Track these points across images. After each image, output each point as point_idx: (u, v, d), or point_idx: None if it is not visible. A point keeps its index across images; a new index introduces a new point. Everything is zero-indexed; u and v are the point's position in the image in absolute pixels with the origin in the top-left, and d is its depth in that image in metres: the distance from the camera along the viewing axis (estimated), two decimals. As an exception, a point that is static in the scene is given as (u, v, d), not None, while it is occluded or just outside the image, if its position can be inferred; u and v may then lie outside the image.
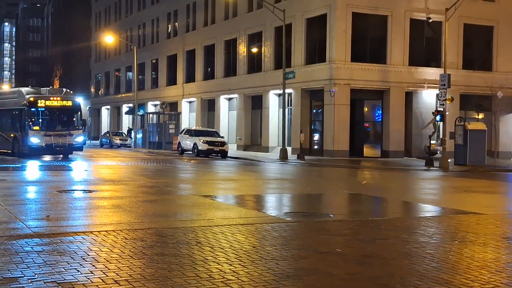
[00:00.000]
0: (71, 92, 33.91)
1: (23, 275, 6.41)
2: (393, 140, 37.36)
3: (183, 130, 42.16)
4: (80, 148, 31.50)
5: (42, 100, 29.63)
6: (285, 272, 6.90)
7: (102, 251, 7.94)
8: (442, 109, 31.03)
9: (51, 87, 34.87)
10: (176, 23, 56.98)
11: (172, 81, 57.56)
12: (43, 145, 29.04)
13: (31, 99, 29.39)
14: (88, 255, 7.57)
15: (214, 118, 49.69)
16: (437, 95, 32.30)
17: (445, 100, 30.92)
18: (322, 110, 37.74)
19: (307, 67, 38.39)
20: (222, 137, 39.80)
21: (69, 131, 30.02)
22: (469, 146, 31.57)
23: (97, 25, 77.11)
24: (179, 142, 40.02)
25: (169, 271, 6.80)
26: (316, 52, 38.30)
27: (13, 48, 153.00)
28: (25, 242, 8.27)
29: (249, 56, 45.40)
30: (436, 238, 9.82)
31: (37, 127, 29.16)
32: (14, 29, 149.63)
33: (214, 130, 42.33)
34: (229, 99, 48.69)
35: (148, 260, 7.40)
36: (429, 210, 13.98)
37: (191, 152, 37.55)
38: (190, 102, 54.80)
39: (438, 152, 31.23)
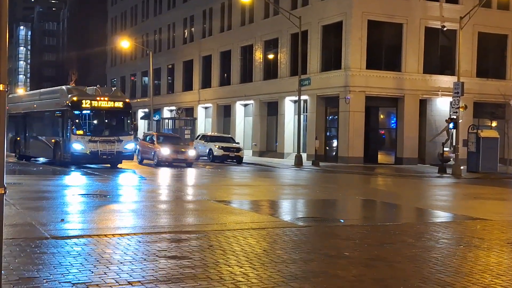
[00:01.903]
0: (122, 92, 30.97)
1: (38, 276, 6.55)
2: (407, 147, 37.29)
3: (199, 135, 42.25)
4: (130, 157, 27.05)
5: (87, 101, 25.34)
6: (293, 274, 7.03)
7: (116, 253, 8.06)
8: (455, 117, 30.98)
9: (98, 85, 30.62)
10: (193, 29, 57.18)
11: (188, 86, 57.71)
12: (88, 152, 24.77)
13: (74, 98, 25.22)
14: (102, 257, 7.70)
15: (230, 124, 49.78)
16: (451, 102, 32.22)
17: (459, 108, 30.88)
18: (337, 117, 37.77)
19: (322, 74, 38.46)
20: (238, 143, 39.84)
21: (118, 137, 25.62)
22: (481, 153, 31.42)
23: (113, 29, 77.35)
24: (195, 148, 40.20)
25: (181, 273, 6.92)
26: (332, 59, 38.32)
27: (28, 52, 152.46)
28: (40, 243, 8.46)
29: (265, 63, 45.50)
30: (442, 242, 9.87)
31: (80, 132, 24.94)
32: (29, 33, 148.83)
33: (229, 136, 42.39)
34: (245, 105, 48.80)
35: (161, 263, 7.48)
36: (438, 216, 14.04)
37: (206, 158, 37.49)
38: (206, 107, 54.93)
39: (451, 159, 31.14)
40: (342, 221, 12.45)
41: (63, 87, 28.22)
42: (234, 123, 49.14)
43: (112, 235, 9.51)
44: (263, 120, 45.84)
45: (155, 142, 29.35)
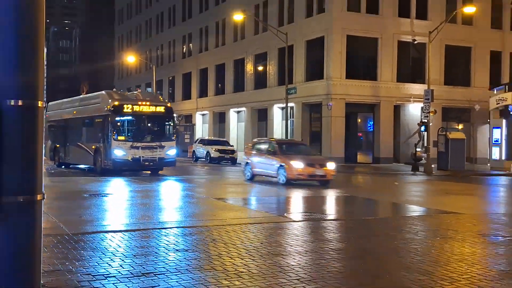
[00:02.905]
0: (163, 96, 26.63)
1: (61, 269, 6.55)
2: (383, 148, 37.41)
3: (197, 139, 42.20)
4: (172, 163, 23.44)
5: (128, 105, 22.17)
6: (289, 265, 7.03)
7: (129, 247, 8.10)
8: (426, 121, 31.09)
9: (139, 90, 28.03)
10: (191, 45, 57.12)
11: (187, 96, 57.66)
12: (129, 159, 21.59)
13: (116, 103, 22.07)
14: (118, 251, 7.71)
15: (225, 129, 49.69)
16: (422, 108, 32.37)
17: (429, 112, 31.00)
18: (321, 122, 37.76)
19: (307, 84, 38.47)
20: (232, 146, 39.90)
21: (161, 143, 22.43)
22: (450, 153, 31.65)
23: (120, 46, 77.26)
24: (194, 151, 40.09)
25: (188, 265, 6.93)
26: (315, 70, 38.29)
27: (45, 67, 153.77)
28: (62, 239, 8.44)
29: (256, 74, 45.47)
30: (420, 235, 9.88)
31: (122, 137, 21.84)
32: (45, 50, 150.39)
33: (224, 139, 42.46)
34: (238, 112, 48.73)
35: (170, 255, 7.49)
36: (414, 210, 14.02)
37: (204, 159, 37.56)
38: (203, 114, 54.87)
39: (423, 158, 31.21)
40: (328, 215, 12.46)
41: (104, 92, 24.53)
42: (229, 128, 49.10)
43: (125, 230, 9.53)
44: (254, 125, 45.81)
45: (278, 152, 20.07)
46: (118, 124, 21.97)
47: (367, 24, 36.88)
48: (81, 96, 28.80)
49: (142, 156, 21.77)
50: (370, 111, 38.25)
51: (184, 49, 58.62)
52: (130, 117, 22.36)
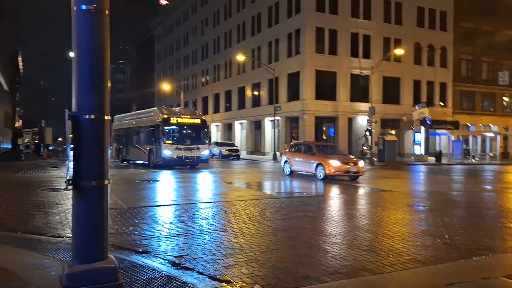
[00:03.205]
0: (199, 111, 25.76)
1: (120, 232, 6.43)
2: (341, 147, 37.15)
3: (213, 142, 42.08)
4: (206, 161, 22.77)
5: (174, 118, 21.94)
6: (278, 228, 7.03)
7: (168, 217, 7.92)
8: (370, 128, 31.16)
9: (182, 106, 27.07)
10: (207, 77, 56.94)
11: (205, 112, 57.34)
12: (175, 157, 21.27)
13: (165, 116, 21.80)
14: (160, 219, 7.56)
15: (232, 135, 49.69)
16: (368, 119, 32.49)
17: (372, 122, 31.06)
18: (298, 130, 37.82)
19: (288, 103, 38.46)
20: (237, 146, 39.83)
21: (197, 145, 22.02)
22: (386, 150, 31.70)
23: (158, 77, 77.12)
24: (210, 150, 39.90)
25: (204, 229, 6.88)
26: (294, 94, 38.22)
27: (109, 92, 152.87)
28: (120, 211, 8.38)
29: (253, 97, 45.35)
30: (367, 206, 9.86)
31: (169, 141, 21.46)
32: (109, 81, 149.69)
33: (232, 142, 42.36)
34: (241, 123, 48.69)
35: (197, 222, 7.45)
36: (362, 189, 13.92)
37: (218, 156, 37.44)
38: (216, 125, 54.72)
39: (368, 154, 31.31)
40: (305, 193, 12.42)
41: (156, 108, 24.05)
42: (234, 134, 48.98)
43: (164, 205, 9.48)
44: (252, 132, 45.74)
45: (316, 153, 17.47)
46: (167, 131, 21.57)
47: (329, 62, 36.89)
48: (138, 111, 27.87)
49: (184, 155, 21.44)
50: (332, 121, 38.28)
51: (203, 79, 58.51)
52: (175, 126, 21.89)
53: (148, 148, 23.04)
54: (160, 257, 5.19)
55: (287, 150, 19.47)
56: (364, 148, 31.87)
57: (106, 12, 3.21)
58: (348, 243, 6.05)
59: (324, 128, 39.88)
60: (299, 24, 37.11)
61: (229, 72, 50.67)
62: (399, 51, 34.11)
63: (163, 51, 75.55)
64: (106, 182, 3.26)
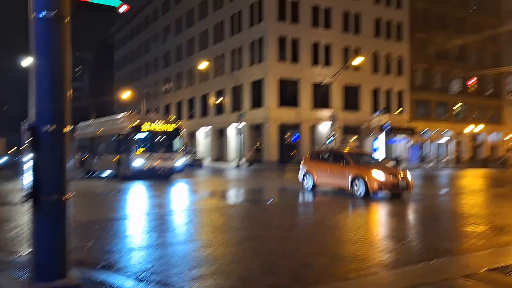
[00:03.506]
0: (174, 117, 24.33)
1: (80, 246, 6.33)
2: (304, 152, 37.70)
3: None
4: (181, 171, 20.92)
5: (147, 124, 20.04)
6: (244, 236, 7.01)
7: (127, 229, 7.74)
8: (332, 135, 31.88)
9: (155, 112, 24.91)
10: (170, 84, 56.32)
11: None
12: (146, 167, 19.29)
13: (136, 122, 19.88)
14: (119, 232, 7.36)
15: (196, 143, 49.22)
16: (330, 126, 33.20)
17: (334, 129, 31.82)
18: (262, 136, 38.06)
19: (252, 110, 38.61)
20: (198, 154, 39.44)
21: (171, 154, 20.19)
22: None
23: (118, 85, 74.98)
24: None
25: (173, 240, 6.81)
26: (257, 101, 38.49)
27: (71, 102, 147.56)
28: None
29: (216, 104, 45.25)
30: (332, 212, 9.78)
31: (141, 150, 19.49)
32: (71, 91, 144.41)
33: (194, 150, 41.94)
34: (205, 131, 48.38)
35: (152, 235, 7.26)
36: (326, 194, 14.02)
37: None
38: (180, 133, 53.95)
39: (331, 160, 31.89)
40: (270, 201, 12.38)
41: (126, 114, 22.13)
42: (199, 142, 48.56)
43: (127, 217, 9.20)
44: (216, 140, 45.51)
45: (351, 162, 13.25)
46: (138, 139, 19.55)
47: (291, 71, 37.47)
48: (105, 117, 25.35)
49: (157, 165, 19.46)
50: (296, 128, 38.79)
51: (166, 87, 57.74)
52: (147, 134, 19.89)
53: (116, 158, 20.85)
54: (123, 272, 5.03)
55: (307, 157, 15.57)
56: (327, 154, 32.49)
57: (66, 19, 3.12)
58: (314, 249, 6.11)
59: (288, 135, 40.38)
60: (261, 33, 37.54)
61: (192, 80, 50.33)
62: (358, 60, 35.32)
63: (123, 58, 73.94)
64: (67, 195, 3.14)
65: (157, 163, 19.49)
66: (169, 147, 20.37)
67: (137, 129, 19.67)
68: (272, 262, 5.45)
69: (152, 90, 61.20)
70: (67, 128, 3.22)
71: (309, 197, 13.17)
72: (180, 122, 21.67)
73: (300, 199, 12.94)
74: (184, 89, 51.91)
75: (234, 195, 14.61)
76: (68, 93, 3.21)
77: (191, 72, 50.28)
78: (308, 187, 14.66)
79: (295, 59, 37.83)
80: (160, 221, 8.59)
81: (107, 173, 22.54)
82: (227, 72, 38.46)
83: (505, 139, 52.07)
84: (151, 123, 20.22)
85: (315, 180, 14.47)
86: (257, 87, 38.37)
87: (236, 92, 37.09)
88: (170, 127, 20.65)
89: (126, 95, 58.35)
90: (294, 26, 37.64)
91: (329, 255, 5.76)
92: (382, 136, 34.65)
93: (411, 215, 9.47)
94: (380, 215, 9.55)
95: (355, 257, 5.65)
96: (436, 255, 5.73)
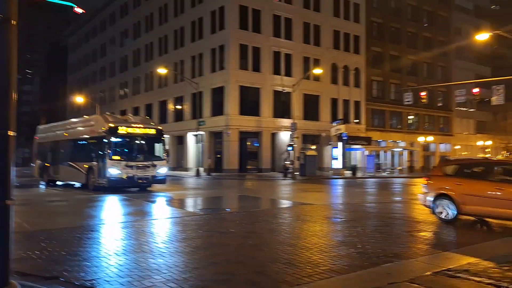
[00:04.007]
0: (152, 120, 21.33)
1: (25, 256, 6.05)
2: (264, 161, 38.28)
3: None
4: (163, 181, 18.37)
5: (123, 127, 17.42)
6: (199, 246, 6.97)
7: (76, 238, 7.55)
8: (292, 143, 32.44)
9: (130, 114, 20.61)
10: (126, 89, 54.99)
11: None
12: (124, 177, 16.87)
13: (111, 125, 17.30)
14: (67, 242, 7.18)
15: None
16: (290, 134, 33.77)
17: (294, 138, 32.37)
18: (222, 145, 38.00)
19: (212, 118, 38.50)
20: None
21: (152, 162, 17.63)
22: (307, 164, 33.10)
23: (72, 89, 72.38)
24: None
25: (124, 249, 6.69)
26: (218, 109, 38.40)
27: (16, 106, 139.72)
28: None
29: (175, 111, 44.76)
30: (288, 219, 10.14)
31: (117, 157, 16.93)
32: (16, 96, 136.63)
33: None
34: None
35: (102, 245, 7.12)
36: (284, 203, 14.24)
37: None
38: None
39: (290, 168, 32.46)
40: (228, 209, 12.46)
41: (99, 115, 19.68)
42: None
43: (76, 226, 8.90)
44: (175, 147, 44.87)
45: None
46: (114, 144, 17.04)
47: (253, 79, 37.83)
48: (71, 120, 22.95)
49: (136, 175, 17.05)
50: (256, 136, 39.05)
51: (121, 92, 56.38)
52: (124, 138, 17.40)
53: (86, 166, 18.29)
54: (70, 282, 4.88)
55: (439, 170, 10.25)
56: (287, 163, 33.01)
57: (13, 22, 3.05)
58: (270, 256, 6.22)
59: (248, 143, 40.60)
60: (223, 40, 37.70)
61: (150, 85, 49.52)
62: (317, 71, 36.23)
63: (77, 61, 71.46)
64: (9, 202, 3.04)
65: (136, 172, 17.04)
66: (149, 154, 17.88)
67: (113, 132, 17.09)
68: (228, 271, 5.48)
69: (108, 95, 59.56)
70: (11, 133, 3.13)
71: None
72: (160, 126, 19.26)
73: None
74: (141, 94, 50.95)
75: (192, 204, 14.48)
76: (13, 97, 3.13)
77: (149, 77, 49.47)
78: (445, 216, 9.57)
79: (256, 67, 38.25)
80: (112, 231, 8.38)
81: (74, 182, 20.04)
82: (187, 79, 38.17)
83: (455, 148, 55.27)
84: (129, 126, 17.67)
85: (461, 207, 9.28)
86: (218, 95, 38.36)
87: (196, 99, 36.86)
88: (151, 130, 18.07)
89: (79, 99, 56.49)
90: (255, 35, 38.12)
91: (283, 262, 5.88)
92: (340, 145, 35.67)
93: (367, 222, 9.81)
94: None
95: (309, 263, 5.80)
96: (385, 260, 6.00)
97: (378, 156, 42.46)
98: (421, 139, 49.09)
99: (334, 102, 43.51)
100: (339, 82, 43.92)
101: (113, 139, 17.04)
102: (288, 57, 40.10)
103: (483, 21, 57.77)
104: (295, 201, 14.58)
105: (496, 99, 20.59)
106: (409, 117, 50.58)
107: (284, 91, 38.57)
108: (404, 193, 19.16)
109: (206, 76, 39.56)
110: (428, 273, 5.36)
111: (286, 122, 37.90)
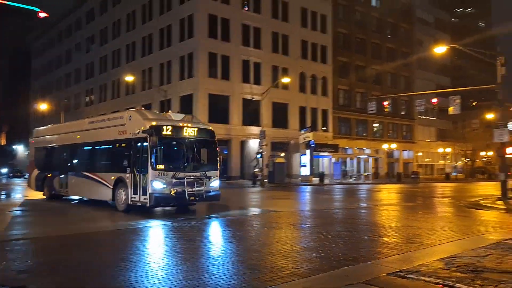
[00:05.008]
0: (199, 119, 16.59)
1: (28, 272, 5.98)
2: (234, 169, 38.31)
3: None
4: (216, 197, 13.41)
5: (169, 127, 12.67)
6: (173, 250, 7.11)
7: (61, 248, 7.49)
8: (261, 151, 32.73)
9: (170, 110, 15.33)
10: (92, 96, 53.73)
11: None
12: (172, 193, 12.14)
13: (154, 123, 12.53)
14: (36, 252, 7.13)
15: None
16: (259, 142, 34.07)
17: (263, 145, 32.71)
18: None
19: (181, 126, 38.19)
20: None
21: (205, 173, 13.00)
22: (275, 172, 33.51)
23: (35, 96, 69.93)
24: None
25: (80, 260, 6.70)
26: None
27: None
28: None
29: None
30: (255, 226, 10.29)
31: (161, 166, 12.18)
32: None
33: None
34: (131, 145, 46.56)
35: (75, 256, 7.08)
36: (253, 210, 14.32)
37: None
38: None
39: (259, 175, 32.71)
40: (193, 218, 12.27)
41: (132, 110, 14.02)
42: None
43: (47, 236, 8.71)
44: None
45: None
46: (157, 150, 12.23)
47: (222, 86, 37.98)
48: (86, 119, 17.73)
49: (187, 190, 12.34)
50: (226, 144, 39.01)
51: (87, 99, 55.11)
52: (171, 141, 12.95)
53: (113, 178, 13.64)
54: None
55: None
56: (256, 170, 33.30)
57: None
58: (234, 263, 6.40)
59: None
60: (191, 48, 37.74)
61: (116, 93, 48.74)
62: (286, 80, 36.88)
63: (41, 67, 69.34)
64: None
65: (187, 186, 12.37)
66: (201, 162, 13.39)
67: (156, 132, 12.34)
68: (193, 276, 5.63)
69: (73, 102, 58.05)
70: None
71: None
72: (211, 126, 14.59)
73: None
74: (108, 102, 50.01)
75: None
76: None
77: (116, 84, 48.68)
78: None
79: (225, 75, 38.45)
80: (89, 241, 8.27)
81: (94, 198, 15.09)
82: (155, 86, 37.86)
83: (417, 154, 57.43)
84: (176, 125, 13.02)
85: None
86: (187, 102, 38.26)
87: (165, 107, 36.58)
88: (203, 131, 13.58)
89: (43, 106, 54.73)
90: (224, 43, 38.38)
91: (249, 267, 6.07)
92: (308, 153, 36.35)
93: (331, 227, 10.17)
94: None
95: (272, 268, 6.04)
96: (344, 263, 6.34)
97: (345, 163, 43.54)
98: (385, 146, 50.73)
99: (302, 110, 44.28)
100: (307, 91, 44.79)
101: (155, 142, 12.20)
102: (257, 65, 40.58)
103: (443, 34, 60.77)
104: (263, 209, 14.65)
105: (453, 109, 21.76)
106: (374, 125, 52.22)
107: (253, 99, 38.88)
108: (369, 199, 19.82)
109: (175, 84, 39.41)
110: (383, 274, 5.72)
111: (255, 130, 38.17)
